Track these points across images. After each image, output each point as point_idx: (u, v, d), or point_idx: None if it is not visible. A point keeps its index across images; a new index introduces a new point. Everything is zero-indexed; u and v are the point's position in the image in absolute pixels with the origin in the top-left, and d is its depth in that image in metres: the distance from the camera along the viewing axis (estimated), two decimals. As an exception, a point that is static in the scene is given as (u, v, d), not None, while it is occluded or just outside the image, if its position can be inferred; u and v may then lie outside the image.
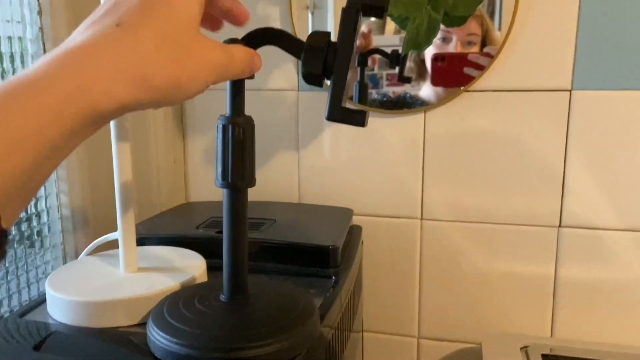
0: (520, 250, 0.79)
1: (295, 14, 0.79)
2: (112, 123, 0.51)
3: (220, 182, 0.42)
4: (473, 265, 0.81)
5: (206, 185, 0.89)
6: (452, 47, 0.72)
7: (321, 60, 0.37)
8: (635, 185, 0.73)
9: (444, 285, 0.83)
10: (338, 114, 0.37)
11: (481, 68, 0.74)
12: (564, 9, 0.71)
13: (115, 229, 0.53)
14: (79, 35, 0.28)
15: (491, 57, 0.73)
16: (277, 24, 0.81)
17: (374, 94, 0.80)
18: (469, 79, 0.75)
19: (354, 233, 0.73)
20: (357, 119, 0.37)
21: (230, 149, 0.41)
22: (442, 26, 0.69)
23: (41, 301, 0.52)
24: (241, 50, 0.36)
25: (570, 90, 0.73)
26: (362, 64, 0.80)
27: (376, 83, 0.80)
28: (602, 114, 0.73)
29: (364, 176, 0.82)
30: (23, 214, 0.65)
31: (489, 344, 0.75)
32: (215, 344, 0.40)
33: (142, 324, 0.46)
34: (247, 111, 0.76)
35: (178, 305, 0.44)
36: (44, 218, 0.69)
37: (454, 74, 0.75)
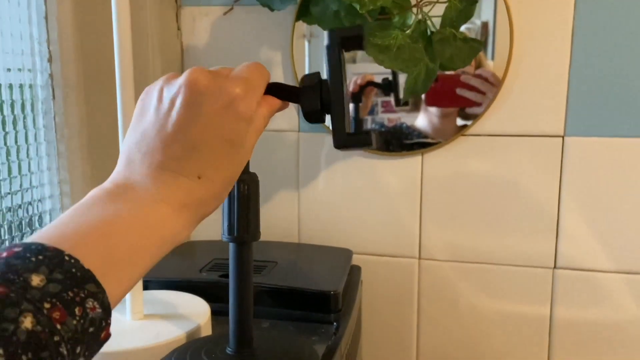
0: (516, 291, 0.80)
1: (294, 43, 0.81)
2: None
3: (226, 236, 0.43)
4: (470, 305, 0.82)
5: (209, 224, 0.90)
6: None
7: (317, 97, 0.39)
8: (627, 228, 0.75)
9: (441, 324, 0.84)
10: (344, 140, 0.39)
11: (474, 89, 0.76)
12: (556, 57, 0.74)
13: None
14: (160, 154, 0.33)
15: (483, 78, 0.75)
16: (278, 54, 0.83)
17: (368, 121, 0.82)
18: (462, 100, 0.77)
19: (354, 274, 0.74)
20: (365, 140, 0.39)
21: (235, 205, 0.43)
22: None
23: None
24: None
25: (563, 136, 0.76)
26: (356, 100, 0.82)
27: (371, 111, 0.82)
28: (594, 159, 0.75)
29: (363, 216, 0.84)
30: (25, 215, 0.66)
31: (486, 385, 0.76)
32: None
33: (149, 374, 0.47)
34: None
35: (187, 357, 0.45)
36: (46, 219, 0.70)
37: (447, 95, 0.77)
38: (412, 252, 0.83)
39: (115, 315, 0.54)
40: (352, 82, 0.81)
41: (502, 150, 0.78)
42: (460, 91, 0.76)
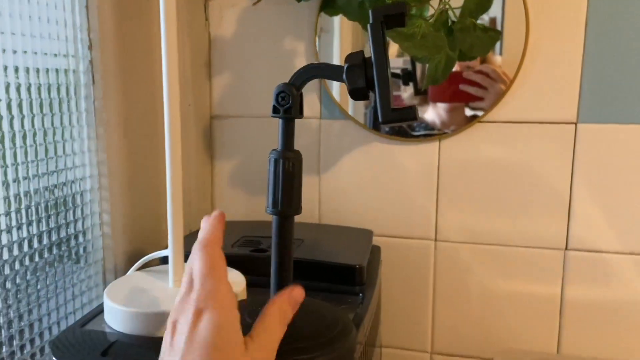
0: (528, 271, 0.84)
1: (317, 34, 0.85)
2: (167, 152, 0.57)
3: (271, 209, 0.47)
4: (483, 285, 0.86)
5: (232, 207, 0.95)
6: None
7: (362, 75, 0.43)
8: (636, 212, 0.79)
9: (456, 303, 0.88)
10: (390, 115, 0.42)
11: (476, 85, 0.79)
12: (570, 45, 0.77)
13: (151, 247, 0.59)
14: None
15: (485, 74, 0.79)
16: (302, 45, 0.87)
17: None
18: (465, 95, 0.80)
19: (374, 253, 0.78)
20: (409, 115, 0.42)
21: (280, 180, 0.46)
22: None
23: (97, 312, 0.57)
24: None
25: (575, 123, 0.79)
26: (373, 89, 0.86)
27: None
28: (606, 145, 0.78)
29: (381, 199, 0.88)
30: (70, 231, 0.70)
31: (500, 358, 0.80)
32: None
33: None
34: (270, 137, 0.84)
35: (230, 319, 0.49)
36: (88, 236, 0.74)
37: (451, 91, 0.80)
38: (428, 234, 0.87)
39: (157, 283, 0.58)
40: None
41: (516, 137, 0.81)
42: (463, 87, 0.80)
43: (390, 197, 0.88)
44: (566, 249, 0.82)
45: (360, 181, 0.88)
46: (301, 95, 0.47)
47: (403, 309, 0.90)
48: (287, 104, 0.45)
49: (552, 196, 0.82)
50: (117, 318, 0.52)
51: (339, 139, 0.88)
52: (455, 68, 0.79)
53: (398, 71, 0.83)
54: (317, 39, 0.85)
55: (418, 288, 0.89)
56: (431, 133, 0.83)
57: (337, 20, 0.84)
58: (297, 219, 0.90)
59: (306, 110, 0.88)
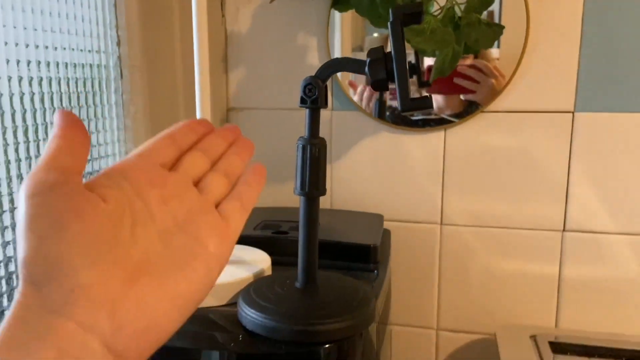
0: (528, 252, 0.89)
1: (329, 29, 0.90)
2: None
3: (299, 191, 0.53)
4: (486, 265, 0.92)
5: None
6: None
7: (383, 68, 0.48)
8: (629, 194, 0.84)
9: (460, 282, 0.93)
10: (408, 104, 0.47)
11: (469, 79, 0.85)
12: (568, 37, 0.82)
13: None
14: None
15: (478, 69, 0.84)
16: (314, 40, 0.92)
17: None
18: (459, 88, 0.86)
19: (385, 236, 0.83)
20: (426, 103, 0.47)
21: (308, 165, 0.52)
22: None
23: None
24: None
25: (573, 112, 0.84)
26: None
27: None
28: (601, 132, 0.84)
29: (390, 186, 0.93)
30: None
31: (502, 333, 0.85)
32: (295, 319, 0.50)
33: (226, 305, 0.57)
34: (284, 128, 0.89)
35: (262, 290, 0.54)
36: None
37: (446, 83, 0.86)
38: (434, 218, 0.93)
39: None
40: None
41: (517, 126, 0.87)
42: (457, 80, 0.85)
43: (398, 184, 0.93)
44: (564, 230, 0.88)
45: (369, 169, 0.94)
46: (326, 87, 0.52)
47: (411, 289, 0.95)
48: (314, 95, 0.50)
49: (551, 181, 0.87)
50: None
51: (350, 129, 0.93)
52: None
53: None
54: (329, 34, 0.90)
55: (425, 269, 0.94)
56: (428, 118, 0.88)
57: (338, 16, 0.89)
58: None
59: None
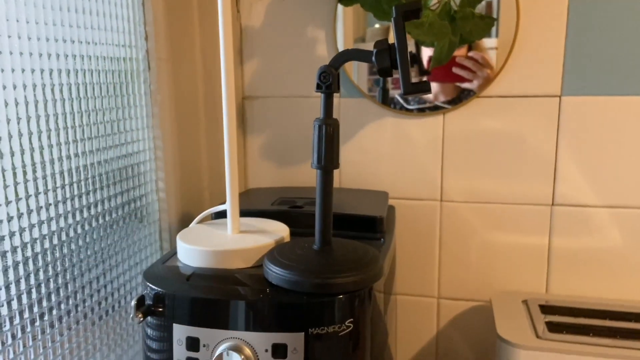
0: (520, 225, 0.98)
1: (336, 23, 0.98)
2: (225, 125, 0.70)
3: (316, 164, 0.61)
4: (482, 237, 1.00)
5: (261, 176, 1.08)
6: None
7: (388, 57, 0.56)
8: (612, 171, 0.92)
9: (458, 254, 1.02)
10: (410, 88, 0.55)
11: (466, 68, 0.93)
12: (554, 26, 0.90)
13: (197, 208, 0.72)
14: None
15: (474, 60, 0.92)
16: (322, 33, 1.00)
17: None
18: (457, 77, 0.94)
19: (390, 211, 0.92)
20: (425, 87, 0.55)
21: (324, 142, 0.60)
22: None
23: (172, 254, 0.71)
24: None
25: (560, 96, 0.92)
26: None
27: (383, 88, 0.99)
28: (586, 115, 0.92)
29: (394, 166, 1.01)
30: (132, 195, 0.84)
31: (496, 299, 0.94)
32: (314, 274, 0.58)
33: (253, 267, 0.65)
34: (295, 114, 0.98)
35: (285, 251, 0.63)
36: (147, 199, 0.88)
37: (444, 73, 0.94)
38: (434, 195, 1.01)
39: (218, 232, 0.71)
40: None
41: (509, 110, 0.95)
42: (455, 70, 0.93)
43: (401, 165, 1.01)
44: (552, 204, 0.96)
45: (375, 151, 1.02)
46: (338, 75, 0.60)
47: (414, 261, 1.04)
48: (329, 82, 0.58)
49: (540, 160, 0.95)
50: (193, 256, 0.66)
51: (357, 114, 1.01)
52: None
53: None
54: (336, 27, 0.98)
55: (427, 242, 1.03)
56: (424, 107, 0.96)
57: (341, 9, 0.97)
58: (313, 185, 1.04)
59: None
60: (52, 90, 0.67)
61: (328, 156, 0.60)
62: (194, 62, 0.95)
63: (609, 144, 0.92)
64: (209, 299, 0.58)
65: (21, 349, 0.61)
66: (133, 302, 0.59)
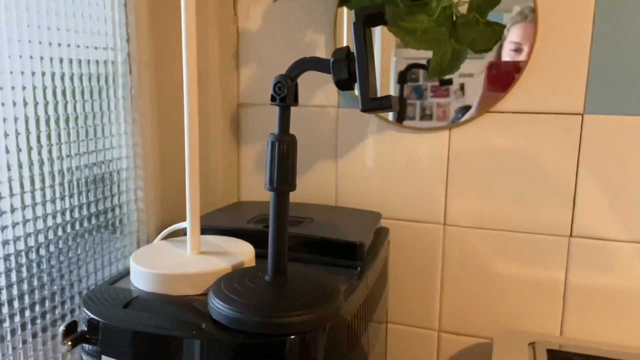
0: (533, 256, 0.87)
1: (337, 27, 0.90)
2: (186, 136, 0.64)
3: (268, 186, 0.54)
4: (490, 268, 0.90)
5: (256, 188, 1.02)
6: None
7: (345, 68, 0.48)
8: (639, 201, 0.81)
9: (462, 284, 0.92)
10: (369, 104, 0.47)
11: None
12: (578, 37, 0.80)
13: (180, 220, 0.67)
14: None
15: None
16: (322, 38, 0.93)
17: (417, 105, 0.90)
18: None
19: (382, 233, 0.84)
20: (385, 104, 0.47)
21: (277, 161, 0.53)
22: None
23: (125, 274, 0.65)
24: None
25: (582, 114, 0.81)
26: (402, 81, 0.90)
27: (420, 94, 0.89)
28: (611, 136, 0.80)
29: (394, 184, 0.93)
30: (108, 204, 0.79)
31: (499, 339, 0.84)
32: (258, 311, 0.51)
33: (204, 294, 0.59)
34: (293, 124, 0.91)
35: (232, 282, 0.56)
36: (124, 209, 0.83)
37: (506, 79, 0.83)
38: (437, 218, 0.92)
39: (177, 251, 0.66)
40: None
41: (524, 127, 0.85)
42: (517, 76, 0.83)
43: (402, 183, 0.93)
44: (570, 236, 0.85)
45: (374, 167, 0.94)
46: (296, 85, 0.53)
47: (413, 288, 0.95)
48: (283, 93, 0.52)
49: (558, 185, 0.84)
50: (140, 278, 0.61)
51: (356, 126, 0.94)
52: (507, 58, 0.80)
53: (424, 62, 0.87)
54: (336, 31, 0.91)
55: (427, 269, 0.94)
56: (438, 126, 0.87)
57: (340, 14, 0.89)
58: (315, 200, 0.97)
59: (325, 100, 0.94)
60: (35, 91, 0.65)
61: (281, 177, 0.53)
62: (181, 66, 0.90)
63: (636, 170, 0.80)
64: (137, 331, 0.52)
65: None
66: (61, 328, 0.54)
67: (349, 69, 0.48)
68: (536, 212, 0.86)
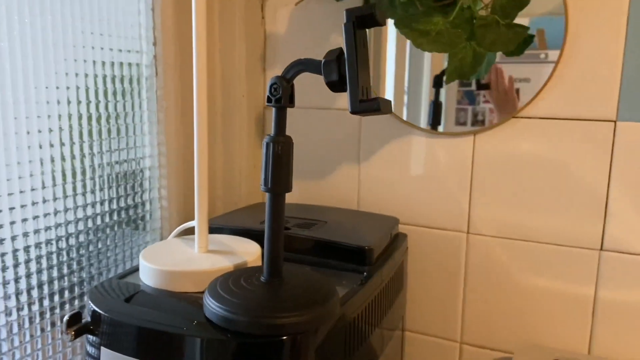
0: (561, 269, 0.83)
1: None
2: (195, 139, 0.66)
3: (263, 187, 0.54)
4: (515, 280, 0.86)
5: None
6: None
7: (336, 70, 0.48)
8: (677, 215, 0.75)
9: (486, 295, 0.89)
10: (357, 107, 0.47)
11: None
12: (610, 41, 0.75)
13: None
14: None
15: None
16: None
17: (469, 110, 0.86)
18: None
19: (399, 239, 0.82)
20: (372, 106, 0.46)
21: (271, 162, 0.53)
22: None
23: (135, 269, 0.68)
24: None
25: (615, 121, 0.77)
26: (437, 84, 0.88)
27: (472, 100, 0.85)
28: (646, 144, 0.75)
29: (417, 190, 0.91)
30: (131, 202, 0.82)
31: (521, 353, 0.80)
32: (250, 311, 0.52)
33: (203, 292, 0.60)
34: (317, 127, 0.91)
35: (228, 282, 0.57)
36: (147, 207, 0.86)
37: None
38: (461, 226, 0.89)
39: (186, 248, 0.67)
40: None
41: (552, 133, 0.81)
42: None
43: (425, 188, 0.90)
44: (601, 249, 0.80)
45: (397, 171, 0.92)
46: (292, 87, 0.53)
47: (433, 297, 0.92)
48: (278, 95, 0.52)
49: (588, 195, 0.80)
50: (146, 274, 0.62)
51: (378, 131, 0.93)
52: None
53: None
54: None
55: (450, 278, 0.91)
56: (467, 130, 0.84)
57: None
58: (336, 204, 0.96)
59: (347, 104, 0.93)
60: (77, 91, 0.71)
61: (275, 178, 0.53)
62: (207, 68, 0.92)
63: (675, 182, 0.75)
64: (131, 324, 0.54)
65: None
66: (65, 318, 0.57)
67: (340, 70, 0.48)
68: (565, 223, 0.82)
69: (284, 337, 0.51)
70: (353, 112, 0.47)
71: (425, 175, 0.90)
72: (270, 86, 0.52)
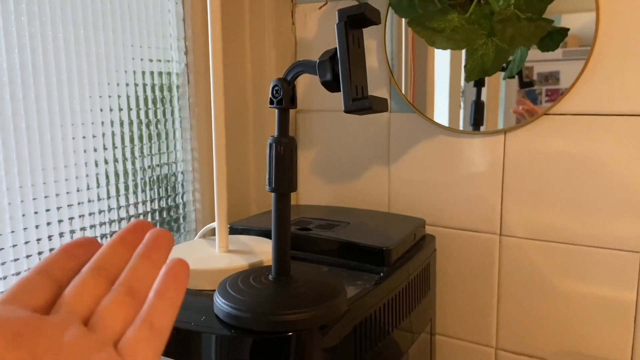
0: (599, 273, 0.79)
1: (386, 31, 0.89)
2: (214, 145, 0.68)
3: (268, 187, 0.56)
4: (551, 284, 0.83)
5: (313, 192, 1.04)
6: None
7: (329, 69, 0.48)
8: None
9: (522, 299, 0.85)
10: (350, 106, 0.47)
11: None
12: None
13: (235, 220, 0.71)
14: None
15: None
16: (373, 42, 0.92)
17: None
18: None
19: (425, 241, 0.81)
20: (364, 105, 0.47)
21: (274, 162, 0.54)
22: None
23: (161, 267, 0.71)
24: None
25: (653, 115, 0.72)
26: (479, 84, 0.86)
27: (535, 99, 0.82)
28: (688, 139, 0.70)
29: (447, 191, 0.89)
30: (168, 204, 0.86)
31: (554, 361, 0.77)
32: (257, 309, 0.53)
33: (220, 290, 0.62)
34: (344, 129, 0.92)
35: (237, 281, 0.58)
36: (181, 209, 0.90)
37: None
38: (493, 228, 0.86)
39: (209, 248, 0.70)
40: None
41: (587, 130, 0.77)
42: None
43: (455, 189, 0.89)
44: (642, 252, 0.75)
45: (427, 172, 0.91)
46: (293, 88, 0.54)
47: (465, 301, 0.90)
48: (279, 96, 0.53)
49: (627, 194, 0.75)
50: (167, 271, 0.65)
51: (408, 131, 0.92)
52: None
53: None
54: (385, 36, 0.90)
55: (482, 281, 0.88)
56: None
57: (390, 18, 0.87)
58: (367, 206, 0.96)
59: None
60: (119, 100, 0.77)
61: (279, 178, 0.54)
62: (237, 74, 0.95)
63: None
64: (145, 318, 0.57)
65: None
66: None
67: (333, 70, 0.48)
68: (602, 224, 0.78)
69: (289, 334, 0.52)
70: (346, 111, 0.48)
71: (456, 176, 0.88)
72: (272, 88, 0.54)
